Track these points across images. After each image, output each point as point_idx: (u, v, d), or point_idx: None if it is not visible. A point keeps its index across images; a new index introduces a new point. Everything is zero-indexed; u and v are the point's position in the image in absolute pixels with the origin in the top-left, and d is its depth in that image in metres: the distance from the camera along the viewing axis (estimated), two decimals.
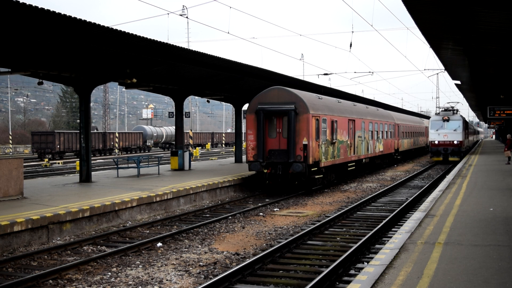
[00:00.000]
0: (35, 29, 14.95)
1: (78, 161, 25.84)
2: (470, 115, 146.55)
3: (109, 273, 10.56)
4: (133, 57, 19.30)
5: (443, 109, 43.69)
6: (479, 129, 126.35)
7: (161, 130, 76.52)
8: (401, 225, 12.85)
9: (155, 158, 31.64)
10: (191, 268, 10.86)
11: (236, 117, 34.89)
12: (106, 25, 15.20)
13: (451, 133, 40.81)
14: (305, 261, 11.30)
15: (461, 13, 13.82)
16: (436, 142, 41.00)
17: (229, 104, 38.60)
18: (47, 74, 19.93)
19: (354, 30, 37.29)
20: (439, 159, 40.94)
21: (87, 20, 14.52)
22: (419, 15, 14.18)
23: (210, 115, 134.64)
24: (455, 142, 40.70)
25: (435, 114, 44.22)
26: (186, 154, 28.17)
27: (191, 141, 57.82)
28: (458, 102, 47.18)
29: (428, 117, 71.65)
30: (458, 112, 43.05)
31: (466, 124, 45.52)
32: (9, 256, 11.68)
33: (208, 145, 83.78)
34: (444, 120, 41.42)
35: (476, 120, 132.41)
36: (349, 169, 27.84)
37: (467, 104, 64.22)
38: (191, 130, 58.22)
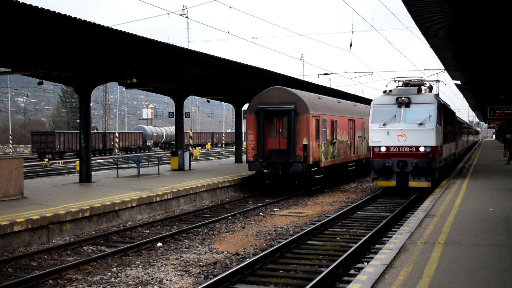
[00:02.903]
0: (35, 29, 14.95)
1: (78, 161, 25.83)
2: (470, 115, 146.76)
3: (109, 273, 10.56)
4: (133, 57, 19.30)
5: (401, 83, 22.61)
6: (477, 128, 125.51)
7: (161, 130, 76.50)
8: (401, 225, 12.85)
9: (155, 158, 31.64)
10: (191, 268, 10.86)
11: (236, 117, 34.89)
12: (106, 25, 15.21)
13: (413, 131, 20.49)
14: (305, 261, 11.30)
15: (461, 12, 13.83)
16: (383, 149, 20.73)
17: (229, 104, 38.59)
18: (47, 74, 19.92)
19: (354, 30, 36.99)
20: (390, 184, 20.92)
21: (87, 20, 14.53)
22: (419, 15, 14.20)
23: (210, 115, 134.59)
24: (422, 149, 20.31)
25: (383, 92, 21.78)
26: (186, 154, 28.16)
27: (191, 141, 57.80)
28: (438, 81, 27.24)
29: None
30: (430, 91, 22.70)
31: (446, 113, 23.95)
32: (9, 256, 11.67)
33: (208, 145, 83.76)
34: (400, 105, 20.82)
35: (476, 120, 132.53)
36: (349, 169, 27.83)
37: (467, 104, 64.20)
38: (191, 130, 58.21)
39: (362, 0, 42.50)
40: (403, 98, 20.69)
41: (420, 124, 20.38)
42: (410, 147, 20.42)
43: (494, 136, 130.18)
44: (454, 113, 30.70)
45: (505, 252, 9.17)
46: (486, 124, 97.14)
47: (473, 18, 14.37)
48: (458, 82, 33.45)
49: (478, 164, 31.23)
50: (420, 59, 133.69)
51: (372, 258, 10.02)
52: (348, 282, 8.90)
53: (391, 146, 20.61)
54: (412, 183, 20.51)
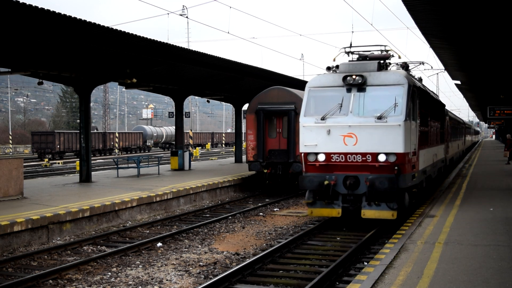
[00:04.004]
0: (35, 29, 14.96)
1: (78, 161, 25.83)
2: (470, 115, 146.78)
3: (109, 273, 10.56)
4: (133, 57, 19.30)
5: (356, 56, 14.81)
6: (477, 128, 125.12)
7: (161, 130, 76.51)
8: (401, 225, 12.84)
9: (155, 158, 31.64)
10: (191, 268, 10.86)
11: (236, 117, 34.91)
12: (106, 25, 15.22)
13: (368, 129, 13.08)
14: (305, 261, 11.30)
15: (461, 12, 13.83)
16: (321, 157, 13.49)
17: (229, 104, 38.61)
18: (47, 74, 19.93)
19: (354, 30, 37.04)
20: (332, 213, 13.63)
21: (87, 20, 14.54)
22: (419, 15, 14.20)
23: (210, 115, 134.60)
24: (382, 157, 12.93)
25: (327, 69, 14.26)
26: (186, 154, 28.17)
27: (191, 141, 57.80)
28: (423, 63, 18.38)
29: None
30: (406, 70, 15.07)
31: (426, 102, 16.54)
32: (9, 256, 11.67)
33: (208, 145, 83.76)
34: (349, 88, 13.51)
35: (476, 120, 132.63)
36: None
37: (467, 104, 64.19)
38: (191, 130, 58.21)
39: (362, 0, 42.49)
40: (354, 77, 13.32)
41: (380, 118, 12.92)
42: (364, 154, 13.03)
43: (494, 136, 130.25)
44: (444, 105, 23.22)
45: (505, 252, 9.18)
46: (486, 124, 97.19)
47: (473, 18, 14.38)
48: (458, 82, 33.46)
49: (477, 168, 31.14)
50: (420, 59, 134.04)
51: (372, 258, 10.03)
52: (348, 282, 8.89)
53: (334, 153, 13.30)
54: (367, 212, 13.18)
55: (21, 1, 12.47)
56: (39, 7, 13.13)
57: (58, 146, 52.18)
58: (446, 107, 25.31)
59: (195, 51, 19.96)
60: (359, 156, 13.09)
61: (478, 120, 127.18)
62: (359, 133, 13.08)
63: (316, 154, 13.53)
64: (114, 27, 15.57)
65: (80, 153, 21.76)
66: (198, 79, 26.52)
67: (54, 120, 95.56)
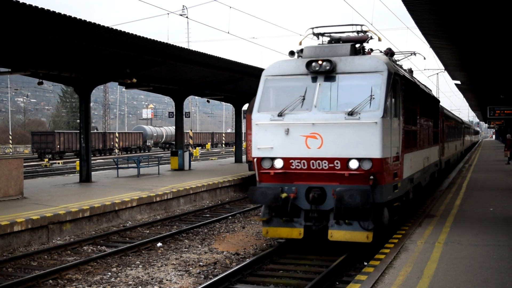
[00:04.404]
0: (36, 29, 14.95)
1: (78, 161, 25.83)
2: (470, 115, 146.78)
3: (109, 273, 10.56)
4: (133, 57, 19.30)
5: (327, 39, 12.16)
6: (477, 128, 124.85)
7: (161, 130, 76.49)
8: (401, 225, 12.84)
9: (155, 158, 31.64)
10: (191, 268, 10.86)
11: (236, 117, 34.91)
12: (106, 25, 15.23)
13: (336, 129, 10.42)
14: (305, 261, 11.29)
15: (461, 13, 13.83)
16: (278, 163, 10.80)
17: (229, 104, 38.62)
18: (47, 74, 19.93)
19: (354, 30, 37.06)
20: (292, 233, 10.92)
21: (87, 20, 14.55)
22: (419, 15, 14.21)
23: (210, 115, 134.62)
24: (353, 164, 10.27)
25: (290, 53, 11.51)
26: (186, 154, 28.17)
27: (191, 141, 57.80)
28: (414, 53, 15.39)
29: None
30: (391, 57, 12.57)
31: (414, 95, 13.55)
32: (9, 256, 11.68)
33: (208, 145, 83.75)
34: (315, 77, 10.90)
35: (476, 120, 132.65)
36: None
37: (467, 104, 64.20)
38: (191, 130, 58.21)
39: None
40: (320, 62, 10.86)
41: (351, 113, 10.39)
42: (331, 160, 10.48)
43: (494, 136, 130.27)
44: (438, 101, 20.80)
45: (505, 252, 9.18)
46: (486, 124, 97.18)
47: (473, 18, 14.38)
48: (458, 82, 33.47)
49: (477, 168, 31.11)
50: (420, 59, 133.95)
51: (372, 258, 10.02)
52: (348, 282, 8.89)
53: (294, 159, 10.74)
54: (335, 233, 10.67)
55: (21, 1, 12.48)
56: (39, 7, 13.14)
57: (58, 146, 52.16)
58: (447, 108, 24.01)
59: (195, 51, 19.97)
60: (325, 162, 10.50)
61: (478, 120, 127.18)
62: (325, 133, 10.51)
63: (272, 159, 10.89)
64: (114, 27, 15.58)
65: (80, 153, 21.76)
66: (198, 79, 26.52)
67: (54, 120, 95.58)
